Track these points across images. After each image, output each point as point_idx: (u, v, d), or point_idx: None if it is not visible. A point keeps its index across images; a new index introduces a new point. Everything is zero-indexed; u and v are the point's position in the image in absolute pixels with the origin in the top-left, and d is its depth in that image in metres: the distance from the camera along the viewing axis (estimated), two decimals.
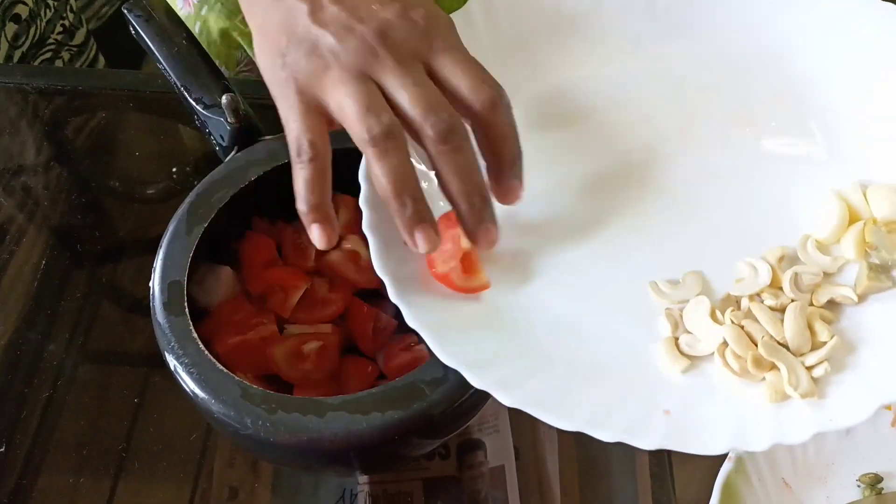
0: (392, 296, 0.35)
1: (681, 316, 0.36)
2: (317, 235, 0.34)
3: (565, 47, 0.43)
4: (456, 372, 0.34)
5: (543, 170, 0.39)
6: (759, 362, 0.34)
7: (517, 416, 0.46)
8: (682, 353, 0.35)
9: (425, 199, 0.34)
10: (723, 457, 0.41)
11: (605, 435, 0.31)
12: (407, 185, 0.33)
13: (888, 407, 0.34)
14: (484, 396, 0.38)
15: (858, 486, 0.42)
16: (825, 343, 0.34)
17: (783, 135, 0.41)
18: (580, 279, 0.37)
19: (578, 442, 0.45)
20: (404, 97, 0.33)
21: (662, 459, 0.45)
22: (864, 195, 0.38)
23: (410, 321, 0.34)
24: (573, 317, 0.36)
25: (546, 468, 0.44)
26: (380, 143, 0.33)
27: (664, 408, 0.33)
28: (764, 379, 0.34)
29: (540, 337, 0.36)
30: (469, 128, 0.35)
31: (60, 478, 0.45)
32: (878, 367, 0.33)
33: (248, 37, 0.62)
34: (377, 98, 0.34)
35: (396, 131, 0.33)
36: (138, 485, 0.45)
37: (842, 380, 0.33)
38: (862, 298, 0.35)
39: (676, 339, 0.35)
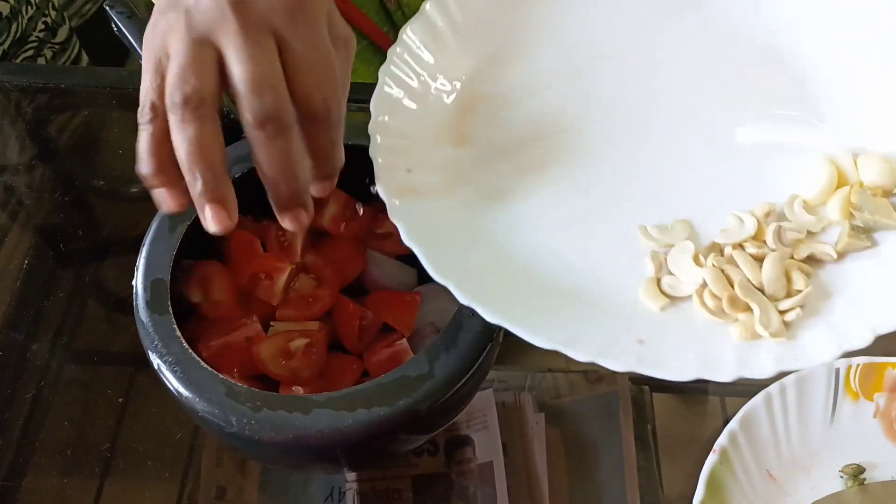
0: (391, 214, 0.36)
1: (665, 259, 0.37)
2: (166, 201, 0.33)
3: None
4: (442, 368, 0.35)
5: (545, 113, 0.41)
6: (734, 302, 0.35)
7: (505, 412, 0.47)
8: (662, 292, 0.36)
9: (226, 174, 0.33)
10: (708, 450, 0.41)
11: (579, 355, 0.32)
12: (203, 157, 0.32)
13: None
14: (471, 392, 0.39)
15: (841, 477, 0.43)
16: (800, 291, 0.35)
17: (780, 102, 0.42)
18: (571, 214, 0.39)
19: (566, 437, 0.46)
20: (237, 69, 0.32)
21: (650, 454, 0.45)
22: (855, 162, 0.38)
23: (405, 238, 0.35)
24: (561, 246, 0.37)
25: (534, 464, 0.45)
26: (180, 111, 0.31)
27: (638, 337, 0.34)
28: (738, 320, 0.35)
29: (526, 258, 0.37)
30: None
31: (46, 478, 0.45)
32: (848, 316, 0.34)
33: None
34: (198, 65, 0.32)
35: (204, 103, 0.31)
36: (125, 485, 0.45)
37: (812, 325, 0.34)
38: (841, 256, 0.36)
39: (659, 279, 0.36)
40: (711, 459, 0.41)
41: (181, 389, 0.35)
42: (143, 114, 0.33)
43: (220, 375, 0.35)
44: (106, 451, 0.45)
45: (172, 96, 0.32)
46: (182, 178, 0.32)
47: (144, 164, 0.33)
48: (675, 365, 0.33)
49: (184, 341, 0.36)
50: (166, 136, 0.32)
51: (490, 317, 0.34)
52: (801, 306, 0.34)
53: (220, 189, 0.32)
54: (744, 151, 0.40)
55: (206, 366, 0.35)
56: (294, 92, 0.33)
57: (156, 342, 0.36)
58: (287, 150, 0.33)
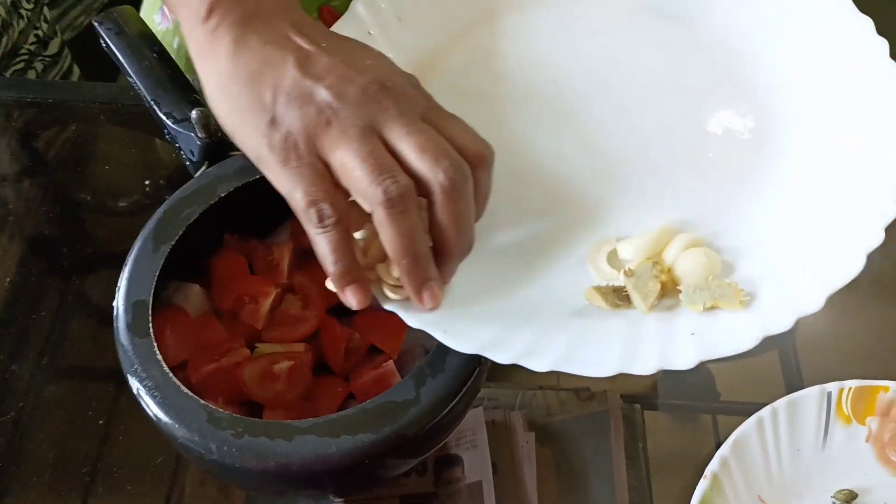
0: None
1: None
2: (351, 298, 0.34)
3: None
4: (429, 393, 0.34)
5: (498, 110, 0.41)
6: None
7: (495, 431, 0.46)
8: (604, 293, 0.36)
9: (432, 258, 0.34)
10: (700, 470, 0.41)
11: (501, 357, 0.32)
12: (420, 246, 0.33)
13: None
14: (459, 415, 0.38)
15: (834, 503, 0.42)
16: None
17: (721, 108, 0.42)
18: (505, 217, 0.38)
19: (557, 457, 0.45)
20: (412, 144, 0.32)
21: (641, 473, 0.44)
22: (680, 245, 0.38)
23: None
24: (495, 251, 0.37)
25: (524, 483, 0.44)
26: (397, 206, 0.32)
27: (561, 336, 0.34)
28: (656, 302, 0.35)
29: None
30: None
31: (27, 499, 0.44)
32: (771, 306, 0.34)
33: None
34: (388, 158, 0.32)
35: (412, 192, 0.32)
36: (110, 502, 0.44)
37: (730, 314, 0.34)
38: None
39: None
40: (702, 486, 0.41)
41: (160, 415, 0.34)
42: (325, 218, 0.32)
43: (201, 401, 0.35)
44: (90, 470, 0.45)
45: (388, 193, 0.32)
46: (363, 273, 0.34)
47: (334, 267, 0.33)
48: (594, 362, 0.33)
49: (164, 365, 0.35)
50: (349, 236, 0.33)
51: (413, 322, 0.33)
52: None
53: (433, 271, 0.34)
54: (673, 154, 0.40)
55: (186, 391, 0.35)
56: (458, 148, 0.34)
57: (136, 366, 0.35)
58: (467, 211, 0.34)
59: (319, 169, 0.33)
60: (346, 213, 0.33)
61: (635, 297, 0.36)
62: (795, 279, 0.34)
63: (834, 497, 0.42)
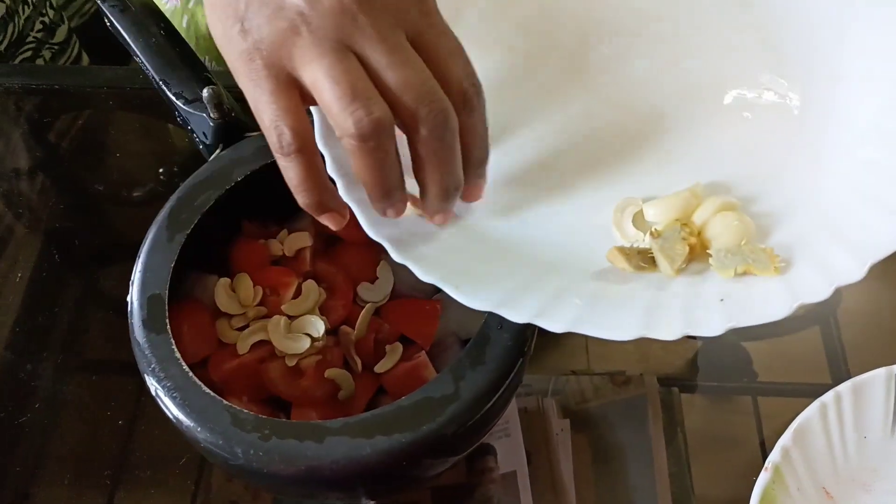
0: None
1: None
2: (328, 223, 0.33)
3: None
4: (469, 387, 0.32)
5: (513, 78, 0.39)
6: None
7: (528, 418, 0.44)
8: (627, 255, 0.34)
9: (405, 187, 0.32)
10: (747, 461, 0.39)
11: (516, 316, 0.31)
12: (393, 183, 0.31)
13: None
14: (500, 410, 0.36)
15: None
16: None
17: (763, 71, 0.39)
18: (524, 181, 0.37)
19: (593, 444, 0.44)
20: (392, 79, 0.29)
21: (681, 458, 0.43)
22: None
23: (343, 192, 0.34)
24: (510, 211, 0.36)
25: (560, 472, 0.43)
26: (369, 140, 0.29)
27: (578, 296, 0.32)
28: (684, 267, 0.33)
29: (474, 223, 0.35)
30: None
31: (55, 492, 0.43)
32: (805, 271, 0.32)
33: None
34: (363, 81, 0.29)
35: (388, 124, 0.29)
36: (135, 500, 0.43)
37: (761, 281, 0.32)
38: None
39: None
40: (763, 478, 0.38)
41: (181, 417, 0.32)
42: (284, 144, 0.30)
43: (224, 402, 0.32)
44: (116, 464, 0.44)
45: (360, 125, 0.29)
46: (337, 200, 0.32)
47: (302, 199, 0.31)
48: (615, 324, 0.31)
49: (184, 364, 0.33)
50: (314, 163, 0.31)
51: (424, 275, 0.32)
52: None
53: (405, 201, 0.33)
54: (695, 128, 0.38)
55: (207, 391, 0.32)
56: (444, 83, 0.30)
57: (153, 365, 0.33)
58: (458, 148, 0.32)
59: (285, 85, 0.30)
60: (310, 139, 0.30)
61: (661, 260, 0.33)
62: (834, 247, 0.32)
63: None
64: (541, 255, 0.35)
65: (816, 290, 0.30)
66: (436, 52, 0.31)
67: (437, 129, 0.30)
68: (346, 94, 0.29)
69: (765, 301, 0.30)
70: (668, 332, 0.30)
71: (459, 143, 0.32)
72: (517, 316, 0.31)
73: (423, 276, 0.32)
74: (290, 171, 0.31)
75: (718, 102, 0.39)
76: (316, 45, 0.29)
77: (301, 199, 0.31)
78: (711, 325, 0.30)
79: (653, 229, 0.34)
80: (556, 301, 0.32)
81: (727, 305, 0.31)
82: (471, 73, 0.32)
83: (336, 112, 0.29)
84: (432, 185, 0.32)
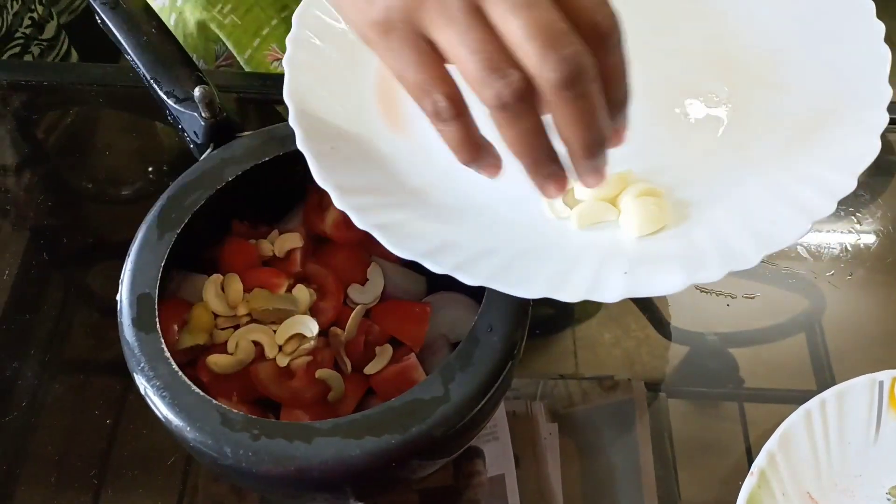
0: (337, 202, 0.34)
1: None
2: (485, 174, 0.32)
3: None
4: (458, 389, 0.32)
5: None
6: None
7: (516, 422, 0.44)
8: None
9: (556, 153, 0.31)
10: (733, 466, 0.39)
11: (436, 267, 0.32)
12: (543, 150, 0.30)
13: None
14: (489, 412, 0.36)
15: (889, 500, 0.40)
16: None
17: (703, 71, 0.41)
18: None
19: (581, 448, 0.44)
20: (516, 25, 0.28)
21: (668, 463, 0.43)
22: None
23: (300, 142, 0.35)
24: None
25: (548, 476, 0.43)
26: (511, 109, 0.28)
27: (504, 254, 0.33)
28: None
29: (426, 181, 0.36)
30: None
31: (40, 492, 0.43)
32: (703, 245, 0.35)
33: (227, 28, 0.59)
34: (495, 47, 0.28)
35: (526, 93, 0.28)
36: (121, 500, 0.43)
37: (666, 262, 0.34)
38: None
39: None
40: (749, 483, 0.39)
41: (170, 416, 0.32)
42: (441, 112, 0.29)
43: (214, 401, 0.32)
44: (100, 464, 0.43)
45: (501, 97, 0.28)
46: (494, 153, 0.32)
47: (464, 160, 0.31)
48: (524, 283, 0.32)
49: (173, 363, 0.33)
50: (471, 126, 0.30)
51: (360, 223, 0.33)
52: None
53: (562, 169, 0.32)
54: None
55: (197, 390, 0.32)
56: (578, 22, 0.29)
57: (142, 364, 0.33)
58: (600, 100, 0.30)
59: (427, 52, 0.29)
60: (463, 102, 0.30)
61: (573, 216, 0.36)
62: (739, 235, 0.34)
63: (889, 493, 0.40)
64: (477, 219, 0.36)
65: (710, 273, 0.32)
66: None
67: (570, 77, 0.28)
68: (484, 65, 0.28)
69: (664, 277, 0.32)
70: (572, 294, 0.32)
71: (600, 87, 0.29)
72: (437, 267, 0.32)
73: (360, 223, 0.33)
74: (449, 135, 0.30)
75: (662, 101, 0.40)
76: (445, 9, 0.28)
77: (460, 157, 0.31)
78: (611, 293, 0.32)
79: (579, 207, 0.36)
80: (477, 258, 0.33)
81: (629, 278, 0.33)
82: (604, 5, 0.29)
83: (477, 85, 0.29)
84: (574, 143, 0.30)
